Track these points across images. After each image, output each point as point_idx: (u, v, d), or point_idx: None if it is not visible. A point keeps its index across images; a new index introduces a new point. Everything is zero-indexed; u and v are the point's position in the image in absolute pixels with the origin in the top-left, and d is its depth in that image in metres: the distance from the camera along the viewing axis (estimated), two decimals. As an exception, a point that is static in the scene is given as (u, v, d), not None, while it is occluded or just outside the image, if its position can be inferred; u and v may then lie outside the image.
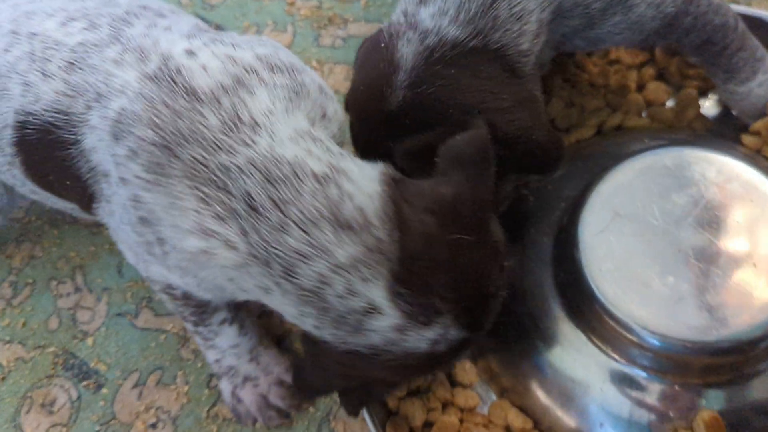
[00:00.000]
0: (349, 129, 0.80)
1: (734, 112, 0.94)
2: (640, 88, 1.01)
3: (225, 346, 0.85)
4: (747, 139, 0.90)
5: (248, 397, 0.86)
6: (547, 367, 0.82)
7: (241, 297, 0.70)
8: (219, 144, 0.61)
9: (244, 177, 0.60)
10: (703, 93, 0.99)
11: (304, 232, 0.59)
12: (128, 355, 0.95)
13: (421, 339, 0.60)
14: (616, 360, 0.78)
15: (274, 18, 1.22)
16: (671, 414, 0.76)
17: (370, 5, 1.22)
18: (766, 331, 0.72)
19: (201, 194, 0.61)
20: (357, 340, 0.61)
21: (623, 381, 0.78)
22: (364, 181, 0.62)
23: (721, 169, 0.80)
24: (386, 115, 0.74)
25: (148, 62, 0.67)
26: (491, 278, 0.62)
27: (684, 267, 0.76)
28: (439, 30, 0.73)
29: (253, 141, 0.62)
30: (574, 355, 0.80)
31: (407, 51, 0.73)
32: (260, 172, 0.60)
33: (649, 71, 1.02)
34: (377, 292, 0.59)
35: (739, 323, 0.73)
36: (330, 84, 1.13)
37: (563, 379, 0.81)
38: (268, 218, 0.60)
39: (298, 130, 0.64)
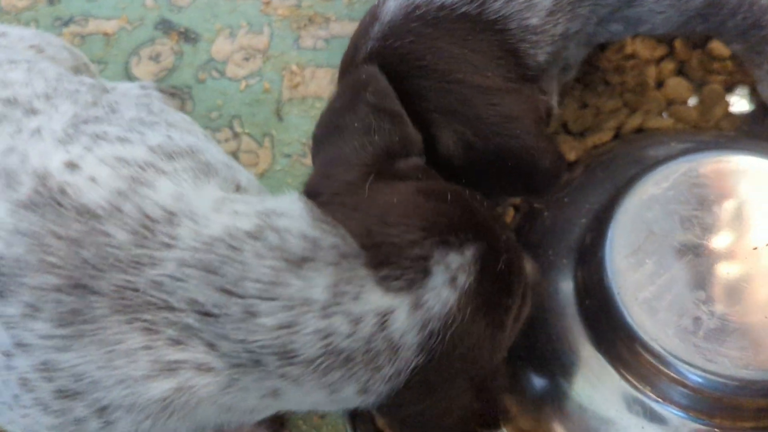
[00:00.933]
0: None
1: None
2: (659, 84, 0.95)
3: None
4: (788, 140, 0.86)
5: None
6: (574, 408, 0.76)
7: (254, 418, 0.61)
8: (138, 260, 0.52)
9: (180, 284, 0.52)
10: (729, 88, 0.94)
11: (273, 300, 0.51)
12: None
13: (439, 291, 0.53)
14: (653, 399, 0.72)
15: (248, 19, 1.15)
16: (713, 460, 0.70)
17: (354, 2, 1.15)
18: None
19: (144, 324, 0.52)
20: (403, 360, 0.53)
21: (661, 422, 0.72)
22: (290, 208, 0.56)
23: (769, 176, 0.75)
24: (354, 69, 0.71)
25: (18, 187, 0.56)
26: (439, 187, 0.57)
27: (734, 293, 0.68)
28: None
29: (173, 237, 0.53)
30: (604, 394, 0.74)
31: (392, 5, 0.71)
32: (196, 268, 0.52)
33: (669, 66, 0.95)
34: (373, 297, 0.51)
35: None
36: (312, 90, 1.05)
37: (592, 419, 0.75)
38: (228, 314, 0.51)
39: (216, 199, 0.57)
